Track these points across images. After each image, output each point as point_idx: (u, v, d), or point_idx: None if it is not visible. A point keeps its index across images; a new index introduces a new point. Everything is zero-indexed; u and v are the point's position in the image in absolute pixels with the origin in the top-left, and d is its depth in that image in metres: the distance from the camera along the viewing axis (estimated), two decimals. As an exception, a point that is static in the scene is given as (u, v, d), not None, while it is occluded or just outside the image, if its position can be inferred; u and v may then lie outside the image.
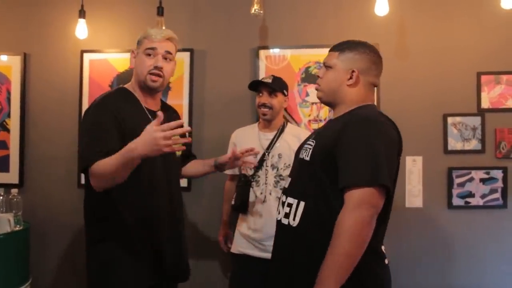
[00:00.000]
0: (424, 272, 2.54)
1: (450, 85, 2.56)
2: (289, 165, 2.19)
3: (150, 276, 1.67)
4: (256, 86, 2.32)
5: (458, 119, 2.54)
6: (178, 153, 1.81)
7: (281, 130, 2.29)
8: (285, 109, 2.61)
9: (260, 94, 2.29)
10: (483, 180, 2.52)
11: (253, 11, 2.26)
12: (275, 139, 2.27)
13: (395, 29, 2.59)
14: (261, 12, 2.29)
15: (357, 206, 1.27)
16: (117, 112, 1.61)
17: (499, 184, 2.52)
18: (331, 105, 1.55)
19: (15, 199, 2.29)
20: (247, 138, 2.33)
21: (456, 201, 2.53)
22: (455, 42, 2.56)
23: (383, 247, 1.46)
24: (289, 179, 1.54)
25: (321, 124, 2.59)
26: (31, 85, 2.72)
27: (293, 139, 2.26)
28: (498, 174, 2.51)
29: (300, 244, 1.40)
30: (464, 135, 2.54)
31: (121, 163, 1.45)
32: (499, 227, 2.52)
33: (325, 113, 2.61)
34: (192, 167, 2.05)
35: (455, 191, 2.53)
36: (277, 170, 2.24)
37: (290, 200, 1.45)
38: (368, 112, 1.44)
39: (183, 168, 2.01)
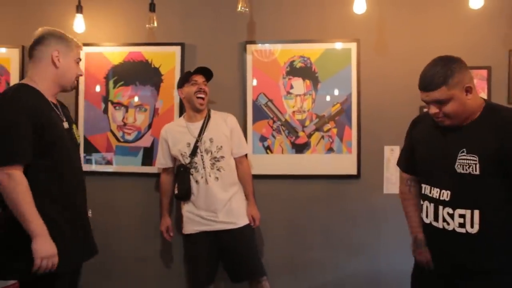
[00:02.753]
0: (397, 254, 2.70)
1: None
2: (221, 147, 2.46)
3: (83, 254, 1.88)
4: (190, 74, 2.50)
5: (433, 111, 2.70)
6: (79, 142, 1.99)
7: (208, 117, 2.52)
8: (271, 101, 2.77)
9: (195, 82, 2.48)
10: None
11: (239, 8, 2.40)
12: (204, 126, 2.48)
13: (375, 26, 2.74)
14: (247, 9, 2.44)
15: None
16: (32, 105, 1.71)
17: (471, 172, 2.68)
18: (460, 122, 1.65)
19: None
20: (178, 132, 2.53)
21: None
22: (431, 38, 2.70)
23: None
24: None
25: (304, 115, 2.75)
26: (29, 77, 2.85)
27: (221, 122, 2.53)
28: (470, 162, 2.68)
29: (483, 247, 1.59)
30: (438, 126, 2.70)
31: (23, 216, 1.63)
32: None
33: (308, 104, 2.76)
34: None
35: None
36: (211, 153, 2.46)
37: (460, 211, 1.62)
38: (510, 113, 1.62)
39: None
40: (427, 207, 1.74)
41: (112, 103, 2.83)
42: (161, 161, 2.62)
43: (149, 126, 2.82)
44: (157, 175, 2.77)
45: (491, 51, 2.68)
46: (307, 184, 2.76)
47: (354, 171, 2.72)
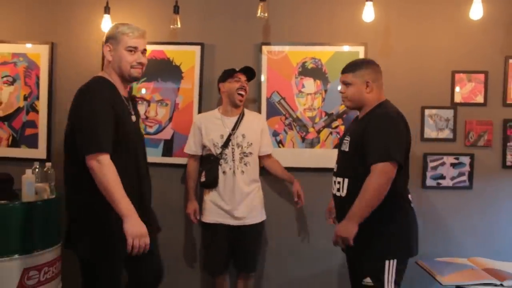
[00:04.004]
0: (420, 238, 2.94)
1: (428, 81, 2.94)
2: (251, 144, 2.64)
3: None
4: (234, 72, 2.66)
5: (434, 111, 2.92)
6: (143, 136, 2.15)
7: (242, 114, 2.70)
8: (284, 99, 2.98)
9: (238, 79, 2.65)
10: (453, 165, 2.92)
11: (258, 14, 2.60)
12: (238, 122, 2.66)
13: (381, 31, 2.95)
14: (266, 15, 2.64)
15: (379, 174, 1.92)
16: (110, 99, 1.86)
17: (467, 168, 2.92)
18: (357, 108, 2.18)
19: (49, 172, 2.63)
20: (212, 123, 2.68)
21: (429, 182, 2.93)
22: (433, 44, 2.92)
23: (409, 195, 2.14)
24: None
25: (315, 112, 2.97)
26: (57, 72, 3.04)
27: (254, 121, 2.71)
28: (466, 159, 2.91)
29: (348, 208, 2.01)
30: (438, 125, 2.93)
31: (113, 198, 1.73)
32: (465, 206, 2.94)
33: (318, 103, 2.97)
34: None
35: (429, 174, 2.93)
36: (242, 148, 2.63)
37: (339, 179, 2.14)
38: (384, 110, 2.05)
39: None
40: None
41: (136, 97, 3.03)
42: (192, 148, 2.73)
43: (170, 119, 3.01)
44: (176, 166, 2.97)
45: (489, 57, 2.91)
46: (315, 176, 2.97)
47: (359, 165, 2.95)
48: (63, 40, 3.04)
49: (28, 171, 2.47)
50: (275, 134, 2.99)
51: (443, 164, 2.92)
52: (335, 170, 2.21)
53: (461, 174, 2.92)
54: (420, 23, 2.94)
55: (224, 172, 2.61)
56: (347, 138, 2.13)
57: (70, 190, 1.95)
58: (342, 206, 2.08)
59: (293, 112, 2.98)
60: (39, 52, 3.01)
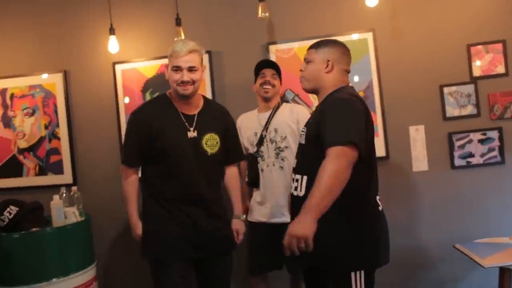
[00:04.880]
0: (433, 228, 2.86)
1: (444, 58, 2.84)
2: (285, 137, 2.52)
3: (188, 249, 2.07)
4: (260, 68, 2.61)
5: (453, 88, 2.82)
6: (212, 152, 2.12)
7: (276, 108, 2.59)
8: (298, 95, 2.94)
9: (263, 74, 2.59)
10: (481, 141, 2.80)
11: (259, 14, 2.58)
12: (271, 116, 2.57)
13: (389, 14, 2.87)
14: (267, 14, 2.62)
15: (336, 157, 1.58)
16: (147, 119, 2.07)
17: (496, 143, 2.80)
18: (314, 92, 1.90)
19: (75, 195, 2.68)
20: (249, 121, 2.65)
21: (458, 162, 2.82)
22: (443, 19, 2.83)
23: (377, 197, 1.80)
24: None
25: (330, 105, 2.91)
26: (73, 98, 3.11)
27: (288, 113, 2.57)
28: (494, 134, 2.79)
29: None
30: (460, 102, 2.82)
31: (127, 207, 2.15)
32: (499, 182, 2.81)
33: (333, 95, 2.92)
34: (226, 189, 2.33)
35: (457, 153, 2.82)
36: (276, 143, 2.53)
37: (297, 176, 1.82)
38: (341, 94, 1.78)
39: (226, 172, 2.31)
40: None
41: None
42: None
43: (186, 131, 3.03)
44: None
45: (504, 25, 2.79)
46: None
47: (382, 153, 2.87)
48: (75, 67, 3.11)
49: (56, 197, 2.53)
50: (292, 132, 2.95)
51: (470, 141, 2.81)
52: (294, 166, 1.89)
53: (491, 149, 2.80)
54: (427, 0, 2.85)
55: (262, 170, 2.55)
56: (303, 130, 1.87)
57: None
58: (300, 207, 1.64)
59: (309, 108, 2.93)
60: (54, 82, 3.10)
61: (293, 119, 2.54)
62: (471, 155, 2.82)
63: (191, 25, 2.96)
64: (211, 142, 2.11)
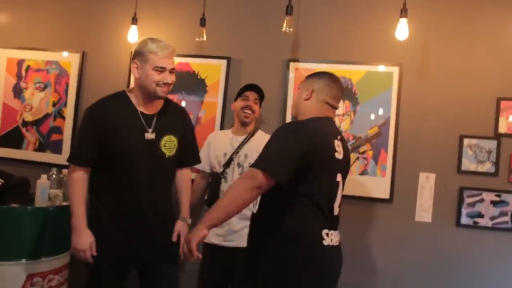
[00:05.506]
0: (426, 285, 2.66)
1: (469, 108, 2.67)
2: None
3: (127, 255, 2.01)
4: (244, 90, 2.58)
5: (474, 141, 2.65)
6: (169, 154, 2.05)
7: (251, 134, 2.57)
8: (309, 119, 2.82)
9: (246, 97, 2.55)
10: (493, 202, 2.61)
11: (284, 28, 2.49)
12: (244, 141, 2.54)
13: (419, 51, 2.73)
14: (291, 30, 2.51)
15: (244, 177, 1.63)
16: (103, 117, 1.94)
17: (510, 207, 2.60)
18: (295, 117, 1.92)
19: (65, 178, 2.64)
20: (221, 140, 2.61)
21: (465, 220, 2.63)
22: (476, 67, 2.66)
23: (324, 232, 1.71)
24: None
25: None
26: (86, 80, 3.09)
27: (261, 141, 2.42)
28: (510, 198, 2.59)
29: (258, 225, 1.78)
30: (478, 157, 2.64)
31: (70, 209, 2.00)
32: (505, 249, 2.60)
33: (346, 125, 2.79)
34: (177, 190, 2.25)
35: (465, 210, 2.64)
36: (242, 168, 2.50)
37: None
38: (301, 121, 1.81)
39: (178, 173, 2.23)
40: None
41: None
42: (201, 163, 2.67)
43: (191, 133, 2.95)
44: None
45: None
46: (342, 205, 2.78)
47: (386, 195, 2.72)
48: (93, 50, 3.09)
49: (43, 176, 2.48)
50: (297, 155, 2.83)
51: (481, 200, 2.62)
52: None
53: (502, 213, 2.60)
54: (461, 44, 2.69)
55: (222, 191, 2.51)
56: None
57: None
58: (252, 223, 1.80)
59: (318, 133, 2.81)
60: (70, 61, 3.08)
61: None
62: (480, 215, 2.62)
63: (215, 27, 2.90)
64: (169, 145, 2.04)
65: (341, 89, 1.89)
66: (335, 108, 1.89)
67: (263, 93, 2.63)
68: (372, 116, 2.76)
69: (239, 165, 2.53)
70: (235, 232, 2.46)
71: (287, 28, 2.49)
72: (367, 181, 2.75)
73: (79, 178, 1.96)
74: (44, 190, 2.46)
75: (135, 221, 2.01)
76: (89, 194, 2.03)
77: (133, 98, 2.02)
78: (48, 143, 3.09)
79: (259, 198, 1.74)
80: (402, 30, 2.40)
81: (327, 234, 1.71)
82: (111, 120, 1.94)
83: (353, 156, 2.77)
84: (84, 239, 1.94)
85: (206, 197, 2.62)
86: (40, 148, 3.09)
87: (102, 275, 1.99)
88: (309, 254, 1.68)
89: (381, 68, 2.76)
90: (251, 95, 2.57)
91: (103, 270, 1.99)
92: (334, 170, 1.75)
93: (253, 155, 2.45)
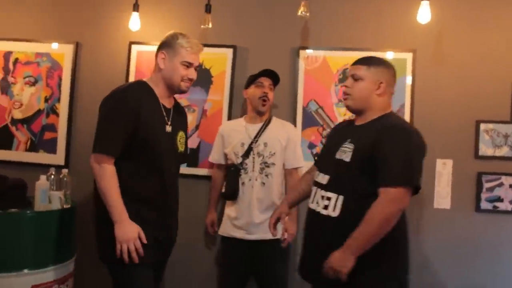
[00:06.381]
0: (448, 271, 2.62)
1: (485, 92, 2.63)
2: (274, 153, 2.40)
3: (155, 254, 1.87)
4: (258, 76, 2.47)
5: (490, 125, 2.61)
6: (181, 149, 2.01)
7: (268, 121, 2.47)
8: (322, 108, 2.72)
9: (260, 84, 2.44)
10: (512, 186, 2.59)
11: (299, 13, 2.37)
12: (262, 129, 2.44)
13: (433, 36, 2.67)
14: (307, 14, 2.41)
15: (391, 201, 1.56)
16: (137, 104, 1.81)
17: (529, 190, 2.58)
18: (359, 111, 1.80)
19: (65, 179, 2.42)
20: (236, 131, 2.49)
21: (484, 205, 2.60)
22: (492, 51, 2.63)
23: None
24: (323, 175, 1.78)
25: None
26: (81, 73, 2.87)
27: (279, 129, 2.46)
28: (528, 181, 2.58)
29: (341, 231, 1.63)
30: (495, 142, 2.61)
31: (107, 203, 1.76)
32: (526, 233, 2.58)
33: (360, 113, 2.70)
34: None
35: (484, 195, 2.60)
36: (263, 157, 2.40)
37: (329, 194, 1.71)
38: (399, 121, 1.75)
39: None
40: (313, 190, 1.82)
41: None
42: (215, 156, 2.59)
43: (197, 127, 2.79)
44: (202, 177, 2.75)
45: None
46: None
47: (404, 184, 2.65)
48: (88, 40, 2.88)
49: (43, 177, 2.27)
50: (311, 146, 2.72)
51: (500, 185, 2.59)
52: (323, 182, 1.76)
53: (522, 197, 2.59)
54: (475, 29, 2.65)
55: (243, 184, 2.40)
56: (349, 146, 1.71)
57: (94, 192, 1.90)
58: (331, 228, 1.68)
59: (332, 123, 2.71)
60: (63, 52, 2.86)
61: (284, 136, 2.44)
62: (499, 199, 2.59)
63: (220, 14, 2.75)
64: (182, 140, 2.02)
65: None
66: None
67: (279, 78, 2.52)
68: (387, 103, 2.68)
69: (259, 154, 2.41)
70: (258, 225, 2.36)
71: (303, 12, 2.38)
72: (384, 170, 2.67)
73: (111, 169, 1.78)
74: (44, 192, 2.26)
75: (168, 218, 1.96)
76: None
77: (155, 89, 1.93)
78: (41, 142, 2.84)
79: (339, 202, 1.67)
80: (424, 13, 2.34)
81: None
82: (144, 109, 1.83)
83: (368, 145, 2.69)
84: (131, 228, 1.77)
85: (224, 190, 2.50)
86: (33, 147, 2.85)
87: (143, 272, 1.83)
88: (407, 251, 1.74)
89: (394, 54, 2.69)
90: (266, 81, 2.45)
91: (143, 266, 1.82)
92: None
93: (273, 144, 2.41)
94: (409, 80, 2.67)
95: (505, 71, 2.62)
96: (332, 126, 2.70)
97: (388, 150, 1.60)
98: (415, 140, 1.65)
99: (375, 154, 1.62)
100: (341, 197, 1.67)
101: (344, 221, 1.64)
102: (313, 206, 1.78)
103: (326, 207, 1.69)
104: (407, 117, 2.66)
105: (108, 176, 1.77)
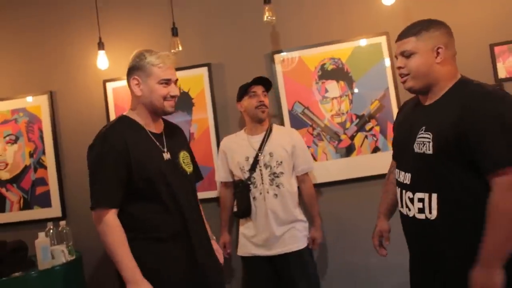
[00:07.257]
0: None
1: (465, 59, 2.55)
2: (281, 162, 2.32)
3: None
4: (249, 85, 2.39)
5: (477, 92, 2.58)
6: (189, 170, 1.84)
7: (269, 131, 2.40)
8: (307, 108, 2.68)
9: (254, 93, 2.37)
10: None
11: (265, 18, 2.34)
12: (265, 139, 2.36)
13: (403, 15, 2.65)
14: (274, 18, 2.38)
15: (509, 189, 1.29)
16: (123, 145, 1.65)
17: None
18: (424, 91, 1.52)
19: (64, 231, 2.38)
20: (237, 144, 2.42)
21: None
22: (463, 19, 2.60)
23: None
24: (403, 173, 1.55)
25: (344, 117, 2.66)
26: (60, 121, 2.83)
27: (283, 137, 2.39)
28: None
29: (444, 234, 1.43)
30: (486, 108, 2.57)
31: (115, 261, 1.59)
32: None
33: (346, 106, 2.67)
34: None
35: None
36: (270, 168, 2.32)
37: (419, 195, 1.47)
38: (480, 86, 1.43)
39: None
40: (397, 192, 1.60)
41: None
42: (221, 174, 2.49)
43: (187, 152, 2.75)
44: (206, 200, 2.68)
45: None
46: (356, 188, 2.65)
47: (404, 167, 2.61)
48: (61, 87, 2.85)
49: (41, 234, 2.23)
50: (304, 148, 2.68)
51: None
52: (406, 182, 1.53)
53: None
54: (445, 0, 2.63)
55: (254, 198, 2.32)
56: (426, 136, 1.44)
57: None
58: (432, 233, 1.45)
59: (320, 121, 2.68)
60: (39, 104, 2.82)
61: (289, 143, 2.37)
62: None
63: (188, 35, 2.72)
64: (187, 161, 1.84)
65: None
66: None
67: (271, 82, 2.47)
68: (371, 90, 2.65)
69: (266, 165, 2.33)
70: (278, 239, 2.28)
71: (269, 17, 2.34)
72: (381, 157, 2.62)
73: (114, 222, 1.61)
74: (45, 250, 2.21)
75: (192, 251, 1.73)
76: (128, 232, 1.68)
77: (139, 119, 1.76)
78: (34, 198, 2.80)
79: (433, 201, 1.43)
80: (388, -7, 2.30)
81: None
82: (133, 149, 1.66)
83: (361, 135, 2.65)
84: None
85: (236, 209, 2.39)
86: (26, 205, 2.80)
87: None
88: None
89: (368, 40, 2.66)
90: (258, 89, 2.39)
91: None
92: None
93: (279, 152, 2.33)
94: (387, 62, 2.64)
95: (481, 35, 2.60)
96: (322, 124, 2.67)
97: (481, 126, 1.32)
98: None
99: (464, 135, 1.35)
100: (434, 195, 1.43)
101: (445, 223, 1.42)
102: (404, 211, 1.55)
103: (421, 210, 1.46)
104: (393, 100, 2.63)
105: (111, 231, 1.60)
